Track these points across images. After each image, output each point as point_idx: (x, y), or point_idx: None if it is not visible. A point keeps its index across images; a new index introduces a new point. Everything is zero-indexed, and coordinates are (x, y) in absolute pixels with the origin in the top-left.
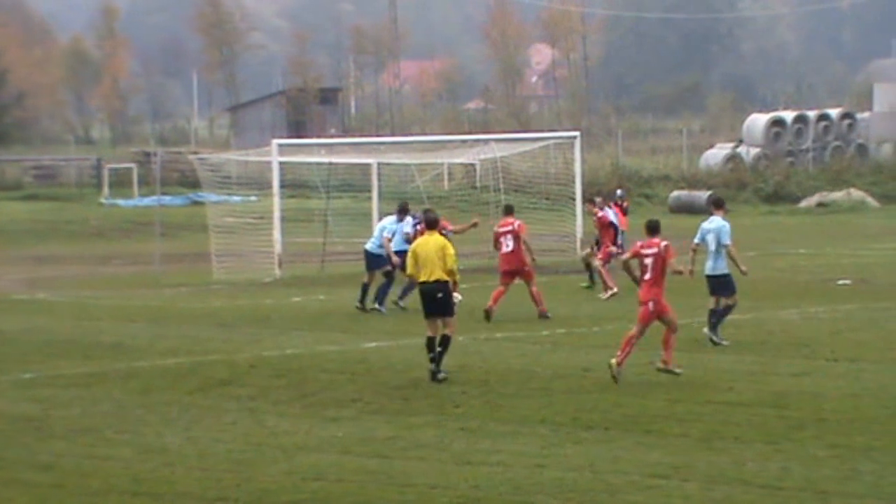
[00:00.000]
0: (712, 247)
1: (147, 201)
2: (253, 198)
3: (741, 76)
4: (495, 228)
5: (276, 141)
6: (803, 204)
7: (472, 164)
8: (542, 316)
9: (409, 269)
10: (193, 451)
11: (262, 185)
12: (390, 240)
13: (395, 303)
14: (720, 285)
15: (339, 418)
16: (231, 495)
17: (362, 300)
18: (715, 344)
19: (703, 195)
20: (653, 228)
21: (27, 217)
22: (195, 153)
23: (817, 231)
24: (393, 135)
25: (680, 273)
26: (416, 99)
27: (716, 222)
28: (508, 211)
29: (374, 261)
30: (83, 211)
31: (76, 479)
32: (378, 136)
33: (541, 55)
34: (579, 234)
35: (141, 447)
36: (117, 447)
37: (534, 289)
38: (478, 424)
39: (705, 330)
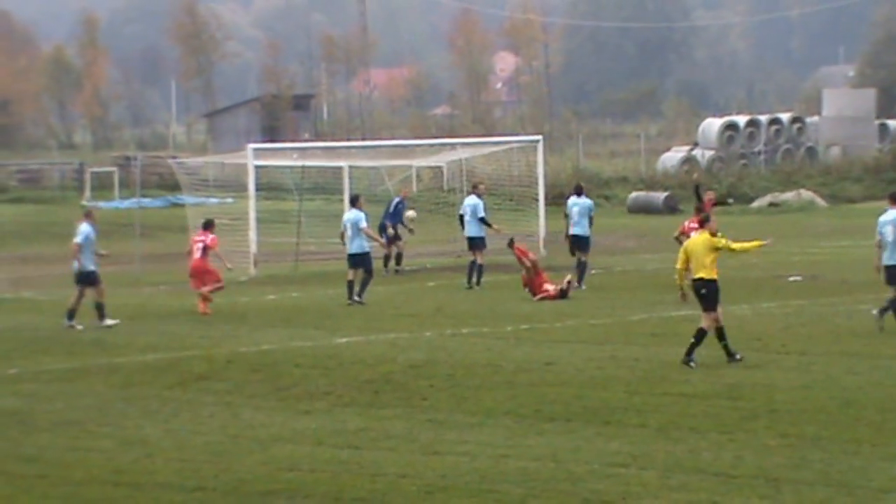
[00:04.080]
0: (889, 238)
1: (127, 203)
2: (229, 200)
3: (695, 82)
4: (685, 223)
5: (251, 145)
6: (755, 204)
7: (440, 167)
8: None
9: (679, 264)
10: (172, 443)
11: (238, 188)
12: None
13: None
14: None
15: (313, 411)
16: (209, 485)
17: (350, 296)
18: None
19: (660, 196)
20: None
21: (12, 219)
22: (174, 157)
23: (769, 230)
24: (363, 139)
25: None
26: (386, 105)
27: (892, 215)
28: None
29: (361, 260)
30: (66, 213)
31: (59, 471)
32: (349, 140)
33: (504, 63)
34: (542, 234)
35: (122, 439)
36: (99, 439)
37: None
38: (445, 416)
39: (874, 311)
